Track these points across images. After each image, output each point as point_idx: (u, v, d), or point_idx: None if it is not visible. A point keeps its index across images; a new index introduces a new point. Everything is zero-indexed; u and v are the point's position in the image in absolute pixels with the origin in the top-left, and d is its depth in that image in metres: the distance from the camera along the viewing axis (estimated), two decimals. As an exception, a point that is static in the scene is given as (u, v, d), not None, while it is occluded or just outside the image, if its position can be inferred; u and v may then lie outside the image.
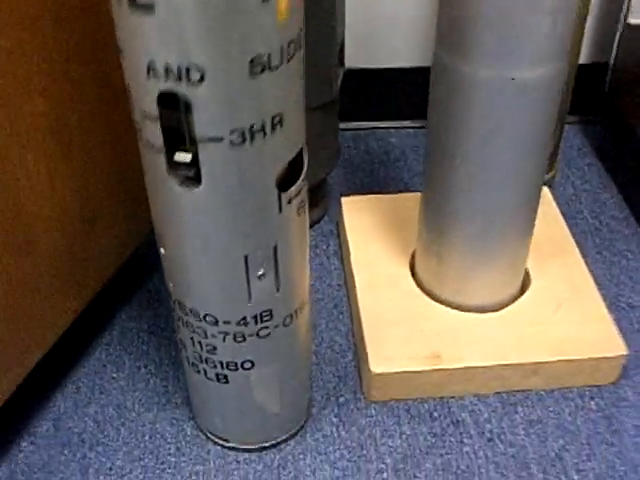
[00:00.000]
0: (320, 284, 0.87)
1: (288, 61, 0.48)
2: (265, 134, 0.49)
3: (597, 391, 0.76)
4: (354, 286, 0.82)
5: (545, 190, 0.93)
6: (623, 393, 0.76)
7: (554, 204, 0.92)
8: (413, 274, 0.83)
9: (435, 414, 0.74)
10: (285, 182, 0.54)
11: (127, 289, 0.87)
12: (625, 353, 0.75)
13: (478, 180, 0.70)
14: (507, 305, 0.79)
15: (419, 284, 0.81)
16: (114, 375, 0.77)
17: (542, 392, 0.76)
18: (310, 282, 0.64)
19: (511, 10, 0.59)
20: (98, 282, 0.75)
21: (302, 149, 0.55)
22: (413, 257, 0.84)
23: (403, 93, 1.10)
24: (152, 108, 0.47)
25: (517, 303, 0.79)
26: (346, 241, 0.88)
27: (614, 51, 1.08)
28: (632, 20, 1.01)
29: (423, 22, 1.06)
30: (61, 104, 0.64)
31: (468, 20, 0.61)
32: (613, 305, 0.86)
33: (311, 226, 0.95)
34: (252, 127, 0.48)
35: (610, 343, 0.75)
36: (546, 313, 0.78)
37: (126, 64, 0.47)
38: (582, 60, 1.11)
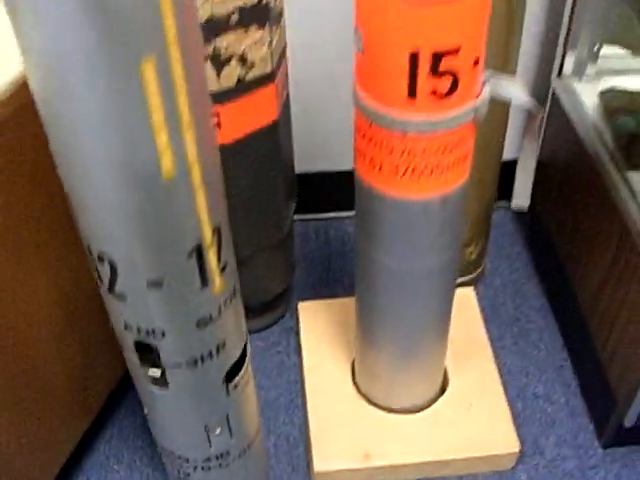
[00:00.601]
0: (280, 379, 1.06)
1: (226, 308, 0.65)
2: (212, 357, 0.67)
3: (498, 477, 0.96)
4: (304, 388, 1.01)
5: (469, 292, 1.11)
6: (519, 477, 0.96)
7: (476, 306, 1.09)
8: (353, 376, 1.01)
9: (367, 499, 0.94)
10: (231, 371, 0.72)
11: (123, 385, 1.06)
12: (518, 449, 0.94)
13: (395, 321, 0.87)
14: (429, 405, 0.98)
15: (357, 387, 1.00)
16: (115, 467, 0.98)
17: (453, 478, 0.96)
18: (259, 419, 0.83)
19: (408, 224, 0.75)
20: (97, 405, 0.95)
21: (245, 345, 0.73)
22: (354, 362, 1.02)
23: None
24: (130, 346, 0.65)
25: (436, 405, 0.98)
26: (300, 345, 1.06)
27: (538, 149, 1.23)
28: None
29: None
30: (63, 284, 0.82)
31: (376, 226, 0.78)
32: (520, 395, 1.04)
33: (274, 323, 1.13)
34: (202, 355, 0.66)
35: (508, 442, 0.94)
36: (458, 414, 0.97)
37: (110, 316, 0.65)
38: (512, 155, 1.27)
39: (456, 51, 0.63)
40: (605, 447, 0.98)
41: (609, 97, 0.99)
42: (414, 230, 0.76)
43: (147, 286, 0.58)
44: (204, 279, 0.60)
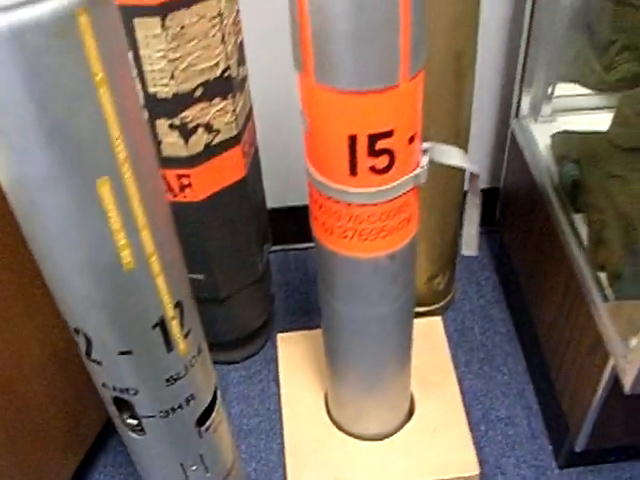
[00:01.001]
0: (261, 407, 1.14)
1: (192, 366, 0.73)
2: (182, 407, 0.75)
3: (460, 496, 1.04)
4: (282, 417, 1.09)
5: (436, 321, 1.18)
6: (480, 497, 1.04)
7: (443, 335, 1.16)
8: (327, 405, 1.09)
9: (339, 520, 1.02)
10: (202, 416, 0.80)
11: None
12: (478, 472, 1.01)
13: (355, 358, 0.95)
14: (396, 432, 1.06)
15: (330, 416, 1.08)
16: (109, 493, 1.06)
17: (419, 498, 1.04)
18: (236, 447, 0.91)
19: (359, 278, 0.83)
20: (90, 439, 1.04)
21: (215, 390, 0.81)
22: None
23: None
24: (109, 400, 0.73)
25: (402, 431, 1.05)
26: (279, 375, 1.14)
27: (502, 181, 1.29)
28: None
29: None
30: (54, 340, 0.91)
31: (331, 278, 0.85)
32: (484, 418, 1.12)
33: (256, 352, 1.21)
34: (173, 407, 0.74)
35: (468, 465, 1.02)
36: (422, 439, 1.04)
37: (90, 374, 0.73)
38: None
39: (390, 133, 0.71)
40: (561, 467, 1.05)
41: (559, 141, 1.05)
42: (365, 283, 0.83)
43: (118, 354, 0.66)
44: (169, 345, 0.68)
